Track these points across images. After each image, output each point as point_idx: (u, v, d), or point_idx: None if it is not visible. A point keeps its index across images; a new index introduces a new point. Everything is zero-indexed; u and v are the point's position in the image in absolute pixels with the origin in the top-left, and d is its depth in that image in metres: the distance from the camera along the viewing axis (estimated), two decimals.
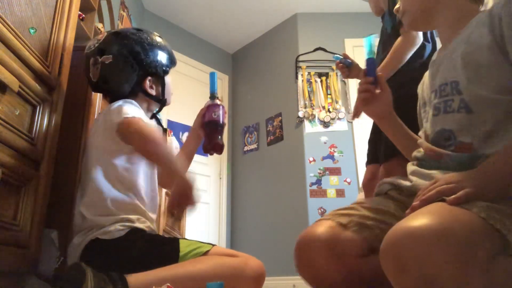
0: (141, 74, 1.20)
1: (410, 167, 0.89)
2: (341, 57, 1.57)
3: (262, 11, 4.01)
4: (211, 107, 1.24)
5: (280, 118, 3.90)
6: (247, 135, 4.23)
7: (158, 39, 1.27)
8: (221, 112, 1.23)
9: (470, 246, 0.54)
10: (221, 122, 1.22)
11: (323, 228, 0.81)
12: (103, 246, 1.01)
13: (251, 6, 3.93)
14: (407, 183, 0.87)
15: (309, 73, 3.81)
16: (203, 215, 3.83)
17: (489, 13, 0.77)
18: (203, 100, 1.30)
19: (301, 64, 3.85)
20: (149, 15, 3.89)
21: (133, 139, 1.08)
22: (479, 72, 0.75)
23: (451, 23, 0.86)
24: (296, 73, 3.84)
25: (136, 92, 1.22)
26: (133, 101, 1.17)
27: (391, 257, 0.56)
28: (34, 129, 1.04)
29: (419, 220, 0.56)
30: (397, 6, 0.96)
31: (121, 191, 1.08)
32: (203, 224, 3.80)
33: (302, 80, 3.80)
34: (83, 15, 1.84)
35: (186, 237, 2.52)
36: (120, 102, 1.13)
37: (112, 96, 1.23)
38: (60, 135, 1.15)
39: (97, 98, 1.35)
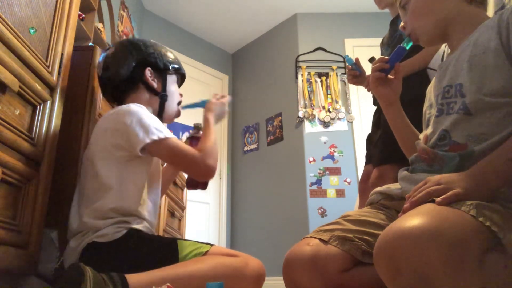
0: (140, 61, 1.22)
1: (401, 172, 0.90)
2: (353, 61, 1.53)
3: (262, 11, 4.01)
4: (197, 139, 1.26)
5: (280, 118, 3.90)
6: (247, 135, 4.23)
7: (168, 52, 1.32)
8: None
9: (461, 245, 0.54)
10: None
11: (305, 246, 0.82)
12: (101, 249, 0.99)
13: (251, 6, 3.93)
14: (396, 190, 0.88)
15: (309, 73, 3.81)
16: (203, 215, 3.83)
17: (498, 18, 0.78)
18: None
19: (301, 64, 3.85)
20: (149, 15, 3.88)
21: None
22: (483, 74, 0.76)
23: (461, 30, 0.87)
24: (296, 73, 3.84)
25: (136, 82, 1.22)
26: (142, 106, 1.14)
27: (384, 259, 0.57)
28: (34, 129, 1.04)
29: (410, 221, 0.57)
30: (402, 24, 0.96)
31: (125, 196, 1.06)
32: (203, 224, 3.80)
33: (302, 80, 3.80)
34: (83, 15, 1.84)
35: (186, 237, 2.52)
36: (131, 106, 1.11)
37: (112, 86, 1.23)
38: (60, 135, 1.15)
39: (97, 98, 1.35)
